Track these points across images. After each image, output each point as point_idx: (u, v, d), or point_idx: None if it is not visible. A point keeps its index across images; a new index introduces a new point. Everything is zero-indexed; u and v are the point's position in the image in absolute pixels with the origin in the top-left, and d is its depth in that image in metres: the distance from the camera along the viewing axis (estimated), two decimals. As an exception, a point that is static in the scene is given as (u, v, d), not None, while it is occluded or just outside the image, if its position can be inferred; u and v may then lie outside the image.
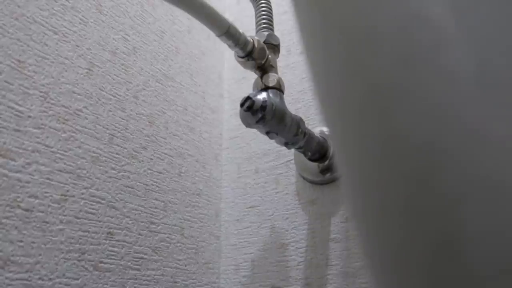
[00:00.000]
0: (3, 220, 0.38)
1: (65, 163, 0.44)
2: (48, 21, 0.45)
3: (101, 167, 0.48)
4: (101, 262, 0.46)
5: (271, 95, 0.48)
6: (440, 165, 0.14)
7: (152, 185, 0.55)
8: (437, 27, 0.14)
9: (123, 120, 0.52)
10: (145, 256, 0.51)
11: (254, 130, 0.55)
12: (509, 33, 0.13)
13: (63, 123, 0.45)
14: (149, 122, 0.56)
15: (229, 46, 0.48)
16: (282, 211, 0.60)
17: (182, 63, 0.64)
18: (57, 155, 0.44)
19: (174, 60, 0.63)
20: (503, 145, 0.13)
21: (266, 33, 0.51)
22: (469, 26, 0.14)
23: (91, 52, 0.50)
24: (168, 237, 0.55)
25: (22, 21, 0.43)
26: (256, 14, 0.53)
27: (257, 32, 0.52)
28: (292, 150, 0.59)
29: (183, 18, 0.66)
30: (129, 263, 0.49)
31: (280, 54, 0.54)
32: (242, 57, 0.49)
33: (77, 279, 0.43)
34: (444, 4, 0.14)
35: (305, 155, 0.55)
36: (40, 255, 0.40)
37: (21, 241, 0.39)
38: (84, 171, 0.46)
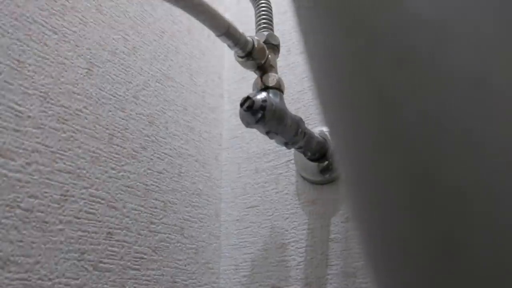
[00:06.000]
0: (3, 220, 0.38)
1: (64, 163, 0.44)
2: (48, 21, 0.45)
3: (101, 167, 0.48)
4: (100, 262, 0.46)
5: (271, 95, 0.48)
6: (440, 164, 0.14)
7: (152, 185, 0.55)
8: (437, 27, 0.14)
9: (123, 120, 0.52)
10: (145, 256, 0.51)
11: (254, 130, 0.55)
12: (510, 34, 0.13)
13: (63, 123, 0.45)
14: (149, 122, 0.56)
15: (229, 46, 0.48)
16: (282, 211, 0.60)
17: (182, 63, 0.64)
18: (57, 155, 0.44)
19: (174, 60, 0.63)
20: (503, 143, 0.13)
21: (266, 33, 0.51)
22: (469, 26, 0.14)
23: (90, 52, 0.50)
24: (168, 237, 0.55)
25: (22, 21, 0.43)
26: (256, 14, 0.53)
27: (257, 32, 0.52)
28: (292, 150, 0.59)
29: (183, 18, 0.66)
30: (129, 263, 0.49)
31: (280, 54, 0.54)
32: (242, 57, 0.49)
33: (77, 279, 0.43)
34: (444, 4, 0.14)
35: (305, 155, 0.55)
36: (39, 255, 0.40)
37: (21, 241, 0.39)
38: (84, 171, 0.46)
